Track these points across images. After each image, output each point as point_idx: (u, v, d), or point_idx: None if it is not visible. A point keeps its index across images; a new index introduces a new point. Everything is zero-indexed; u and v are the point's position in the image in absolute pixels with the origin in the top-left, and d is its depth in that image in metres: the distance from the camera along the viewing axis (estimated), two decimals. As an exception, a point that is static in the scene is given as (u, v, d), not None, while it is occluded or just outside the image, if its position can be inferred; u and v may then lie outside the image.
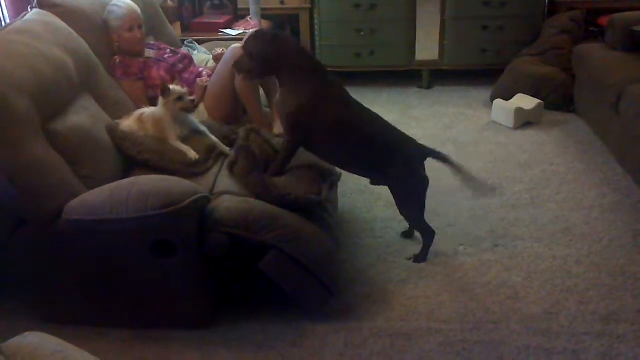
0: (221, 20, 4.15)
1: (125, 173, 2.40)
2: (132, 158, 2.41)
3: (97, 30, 2.84)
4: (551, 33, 4.22)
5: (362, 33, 4.41)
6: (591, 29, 4.41)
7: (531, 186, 3.11)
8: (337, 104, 2.39)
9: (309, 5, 4.57)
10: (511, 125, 3.77)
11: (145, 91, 2.87)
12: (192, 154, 2.40)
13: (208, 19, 4.25)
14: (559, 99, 3.97)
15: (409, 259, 2.58)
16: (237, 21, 4.31)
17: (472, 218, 2.85)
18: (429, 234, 2.57)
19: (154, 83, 2.84)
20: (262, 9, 4.56)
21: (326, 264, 2.19)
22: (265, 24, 4.15)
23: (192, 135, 2.53)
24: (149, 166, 2.38)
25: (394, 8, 4.35)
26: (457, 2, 4.30)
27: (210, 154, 2.49)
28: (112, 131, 2.43)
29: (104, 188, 2.05)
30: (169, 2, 4.46)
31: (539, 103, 3.83)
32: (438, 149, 2.56)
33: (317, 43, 4.56)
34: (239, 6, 4.34)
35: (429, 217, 2.60)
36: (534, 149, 3.51)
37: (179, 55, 3.08)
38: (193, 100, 2.53)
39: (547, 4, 4.47)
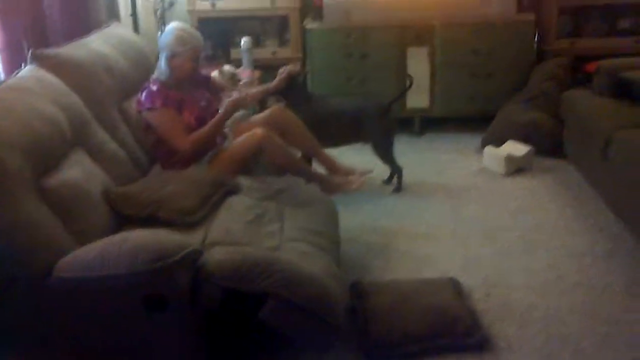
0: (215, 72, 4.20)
1: (118, 227, 2.40)
2: (127, 217, 2.42)
3: (95, 80, 2.86)
4: (539, 80, 4.29)
5: (353, 81, 4.48)
6: (578, 75, 4.48)
7: (523, 233, 3.11)
8: None
9: (300, 55, 4.65)
10: (502, 172, 3.80)
11: (183, 126, 2.86)
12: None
13: (202, 70, 4.30)
14: (548, 145, 4.01)
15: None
16: (231, 71, 4.37)
17: (465, 267, 2.84)
18: (399, 170, 3.64)
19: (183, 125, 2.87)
20: (255, 60, 4.64)
21: (325, 301, 2.15)
22: (258, 74, 4.20)
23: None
24: (144, 220, 2.39)
25: (385, 57, 4.43)
26: (446, 51, 4.38)
27: (207, 201, 2.49)
28: (107, 195, 2.43)
29: (96, 245, 2.04)
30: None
31: (530, 150, 3.87)
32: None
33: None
34: (231, 57, 4.40)
35: (421, 265, 2.61)
36: (525, 196, 3.53)
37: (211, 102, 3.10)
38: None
39: (535, 52, 4.56)
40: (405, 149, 4.29)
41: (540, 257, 2.89)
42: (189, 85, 3.00)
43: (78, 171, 2.38)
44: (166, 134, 2.84)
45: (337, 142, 3.65)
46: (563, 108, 3.96)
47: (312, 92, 3.70)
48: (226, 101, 2.91)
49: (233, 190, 2.65)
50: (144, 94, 2.88)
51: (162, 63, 2.92)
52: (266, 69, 4.84)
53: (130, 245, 1.97)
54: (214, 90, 3.18)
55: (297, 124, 3.22)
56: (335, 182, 3.12)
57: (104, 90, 2.91)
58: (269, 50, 4.74)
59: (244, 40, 4.03)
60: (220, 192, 2.57)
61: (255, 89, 3.39)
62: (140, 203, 2.42)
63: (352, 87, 4.47)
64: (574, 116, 3.75)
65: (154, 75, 2.96)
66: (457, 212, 3.38)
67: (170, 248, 1.97)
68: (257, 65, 4.52)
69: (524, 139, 3.99)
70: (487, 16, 4.31)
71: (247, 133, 2.93)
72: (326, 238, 2.51)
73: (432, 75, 4.46)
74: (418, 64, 4.43)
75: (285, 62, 4.67)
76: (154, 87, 2.87)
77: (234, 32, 4.79)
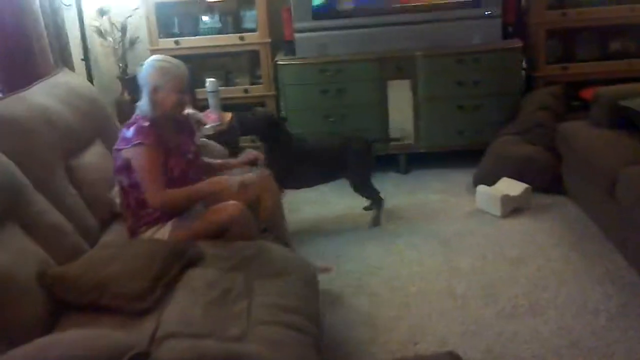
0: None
1: (56, 315, 2.04)
2: (67, 303, 2.06)
3: (33, 139, 2.50)
4: (530, 110, 3.99)
5: (331, 119, 4.15)
6: (573, 103, 4.20)
7: (528, 289, 2.77)
8: None
9: (274, 93, 4.33)
10: (498, 214, 3.47)
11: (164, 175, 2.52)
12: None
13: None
14: (546, 181, 3.69)
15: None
16: (197, 114, 4.03)
17: (465, 334, 2.49)
18: (379, 200, 3.54)
19: (168, 169, 2.54)
20: (225, 99, 4.32)
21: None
22: (227, 117, 3.86)
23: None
24: (85, 306, 2.03)
25: (364, 92, 4.12)
26: (429, 82, 4.08)
27: (160, 280, 2.12)
28: (42, 278, 2.06)
29: (15, 354, 1.66)
30: (125, 95, 4.20)
31: (526, 188, 3.55)
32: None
33: (284, 131, 4.28)
34: (198, 99, 4.06)
35: (415, 333, 2.26)
36: (525, 241, 3.20)
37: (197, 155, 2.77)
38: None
39: (525, 79, 4.27)
40: (391, 189, 3.96)
41: (549, 319, 2.54)
42: (173, 128, 2.66)
43: (5, 253, 2.00)
44: (145, 177, 2.47)
45: (318, 181, 3.62)
46: (560, 141, 3.65)
47: (292, 133, 3.48)
48: (208, 181, 2.58)
49: (194, 261, 2.29)
50: (131, 129, 2.51)
51: (145, 99, 2.56)
52: (237, 108, 4.54)
53: (57, 354, 1.60)
54: (191, 129, 2.84)
55: (276, 198, 2.91)
56: None
57: (46, 149, 2.56)
58: (241, 88, 4.41)
59: (209, 82, 3.70)
60: (177, 267, 2.21)
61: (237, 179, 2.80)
62: (80, 288, 2.04)
63: (330, 126, 4.14)
64: (573, 150, 3.43)
65: (138, 113, 2.61)
66: (452, 264, 3.03)
67: (108, 355, 1.60)
68: (228, 105, 4.20)
69: (519, 175, 3.67)
70: (472, 45, 4.02)
71: (221, 206, 2.57)
72: (303, 315, 2.14)
73: (416, 109, 4.15)
74: (400, 97, 4.13)
75: (259, 101, 4.38)
76: (145, 123, 2.51)
77: (201, 71, 4.47)
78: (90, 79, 3.63)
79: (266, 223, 2.78)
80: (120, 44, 4.25)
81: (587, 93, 3.96)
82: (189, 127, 2.78)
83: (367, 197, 3.56)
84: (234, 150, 3.83)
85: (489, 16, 3.98)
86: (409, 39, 4.03)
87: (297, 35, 4.05)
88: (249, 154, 3.03)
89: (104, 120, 3.14)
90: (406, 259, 3.11)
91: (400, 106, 4.16)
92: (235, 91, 4.41)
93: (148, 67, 2.57)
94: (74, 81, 3.12)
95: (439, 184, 4.02)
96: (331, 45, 4.06)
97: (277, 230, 2.83)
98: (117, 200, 2.73)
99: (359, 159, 3.50)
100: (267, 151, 3.38)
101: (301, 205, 3.81)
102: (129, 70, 4.20)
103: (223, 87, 4.39)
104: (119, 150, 2.55)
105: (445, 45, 4.03)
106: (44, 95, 2.79)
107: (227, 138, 3.69)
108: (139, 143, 2.47)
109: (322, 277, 2.80)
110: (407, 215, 3.59)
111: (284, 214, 3.00)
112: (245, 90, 4.40)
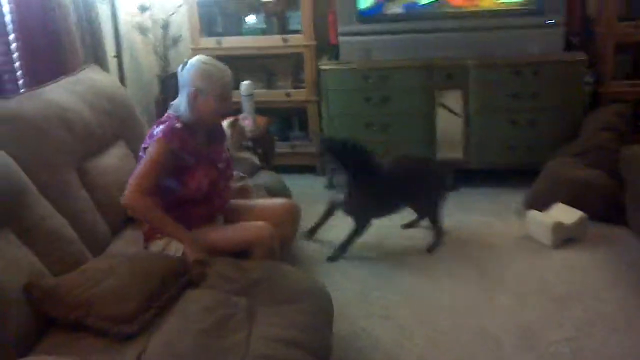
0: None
1: (42, 331, 1.90)
2: (55, 319, 1.91)
3: (45, 139, 2.37)
4: (593, 129, 3.63)
5: (374, 128, 3.91)
6: (640, 124, 3.82)
7: (571, 334, 2.45)
8: None
9: (316, 98, 4.12)
10: (549, 244, 3.14)
11: (163, 177, 2.34)
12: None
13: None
14: (605, 209, 3.33)
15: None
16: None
17: (495, 383, 2.21)
18: (441, 228, 3.27)
19: (188, 186, 2.36)
20: (266, 102, 4.15)
21: None
22: (262, 122, 3.68)
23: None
24: (71, 324, 1.87)
25: (410, 101, 3.85)
26: (482, 94, 3.78)
27: (154, 302, 1.94)
28: (30, 290, 1.91)
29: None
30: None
31: (582, 217, 3.20)
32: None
33: (325, 139, 4.07)
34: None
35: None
36: (575, 277, 2.87)
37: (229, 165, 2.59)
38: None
39: (590, 95, 3.90)
40: (434, 208, 3.69)
41: (593, 373, 2.24)
42: (206, 136, 2.48)
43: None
44: (139, 170, 2.31)
45: (398, 207, 3.30)
46: (624, 165, 3.29)
47: (378, 160, 3.18)
48: (181, 230, 2.35)
49: (196, 281, 2.10)
50: (160, 126, 2.36)
51: (183, 102, 2.39)
52: (280, 113, 4.36)
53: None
54: (223, 136, 2.66)
55: (295, 224, 2.71)
56: None
57: (57, 150, 2.42)
58: (282, 92, 4.22)
59: (244, 84, 3.52)
60: (176, 287, 2.03)
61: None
62: (68, 304, 1.89)
63: (372, 135, 3.90)
64: (639, 177, 3.07)
65: (172, 112, 2.45)
66: (489, 297, 2.74)
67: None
68: (269, 109, 4.03)
69: (575, 201, 3.32)
70: (530, 55, 3.70)
71: (249, 224, 2.42)
72: (308, 350, 1.92)
73: (466, 122, 3.85)
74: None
75: (300, 106, 4.19)
76: (178, 124, 2.35)
77: (243, 72, 4.31)
78: (122, 76, 3.51)
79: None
80: (162, 41, 4.14)
81: (658, 114, 3.58)
82: (220, 135, 2.61)
83: (432, 222, 3.27)
84: (268, 160, 3.67)
85: (550, 25, 3.64)
86: (461, 47, 3.74)
87: (341, 38, 3.84)
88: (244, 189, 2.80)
89: (129, 120, 2.99)
90: (439, 288, 2.84)
91: (450, 118, 3.88)
92: (276, 95, 4.22)
93: (192, 67, 2.38)
94: (100, 79, 2.99)
95: (487, 205, 3.72)
96: (376, 51, 3.81)
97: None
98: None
99: (439, 182, 3.31)
100: (352, 179, 3.04)
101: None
102: (170, 69, 4.08)
103: (264, 90, 4.25)
104: (145, 148, 2.40)
105: (501, 54, 3.72)
106: (64, 92, 2.67)
107: (262, 146, 3.52)
108: (159, 138, 2.31)
109: (347, 302, 2.60)
110: (447, 238, 3.31)
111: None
112: (287, 95, 4.21)
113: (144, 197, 2.29)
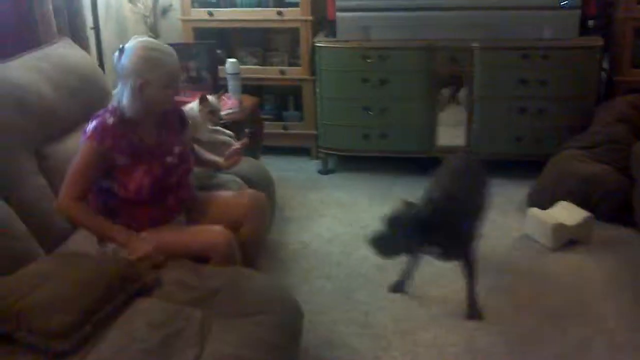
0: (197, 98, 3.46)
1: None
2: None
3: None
4: (605, 121, 3.37)
5: (371, 112, 3.66)
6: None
7: (566, 350, 2.25)
8: None
9: (312, 77, 3.87)
10: (549, 245, 2.92)
11: (97, 179, 2.12)
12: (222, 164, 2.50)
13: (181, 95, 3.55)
14: (613, 208, 3.09)
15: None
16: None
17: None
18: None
19: (126, 187, 2.11)
20: (259, 80, 3.93)
21: None
22: (250, 103, 3.44)
23: None
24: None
25: (410, 84, 3.60)
26: (487, 79, 3.50)
27: (92, 316, 1.74)
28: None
29: None
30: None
31: (587, 217, 2.97)
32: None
33: (319, 122, 3.84)
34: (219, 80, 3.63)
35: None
36: (575, 285, 2.65)
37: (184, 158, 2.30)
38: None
39: (603, 83, 3.63)
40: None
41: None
42: (155, 127, 2.22)
43: None
44: (68, 175, 2.09)
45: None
46: (635, 161, 3.05)
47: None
48: (119, 230, 2.11)
49: (147, 289, 1.91)
50: (93, 122, 2.12)
51: (126, 94, 2.11)
52: (274, 91, 4.13)
53: None
54: (180, 124, 2.37)
55: (262, 222, 2.44)
56: None
57: (7, 132, 2.22)
58: (277, 69, 3.98)
59: (229, 62, 3.27)
60: (123, 296, 1.83)
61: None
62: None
63: (369, 119, 3.66)
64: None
65: (115, 103, 2.19)
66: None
67: None
68: (262, 87, 3.81)
69: (582, 198, 3.09)
70: (541, 39, 3.41)
71: (204, 228, 2.19)
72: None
73: (470, 108, 3.59)
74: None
75: (295, 84, 3.95)
76: (110, 120, 2.10)
77: (236, 47, 4.07)
78: (99, 50, 3.28)
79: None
80: (152, 11, 3.91)
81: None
82: (175, 123, 2.33)
83: (465, 263, 2.45)
84: (257, 143, 3.46)
85: (565, 7, 3.35)
86: (466, 27, 3.45)
87: (339, 14, 3.57)
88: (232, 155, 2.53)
89: (102, 100, 2.78)
90: (426, 294, 2.63)
91: (453, 105, 3.62)
92: (270, 72, 3.98)
93: (134, 55, 2.08)
94: (71, 54, 2.78)
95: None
96: (376, 29, 3.55)
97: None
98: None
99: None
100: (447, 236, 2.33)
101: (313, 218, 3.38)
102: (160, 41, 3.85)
103: (258, 67, 4.01)
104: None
105: (509, 37, 3.44)
106: (24, 70, 2.46)
107: (250, 129, 3.29)
108: (88, 139, 2.09)
109: (325, 307, 2.40)
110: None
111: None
112: (282, 72, 3.96)
113: (75, 203, 2.07)
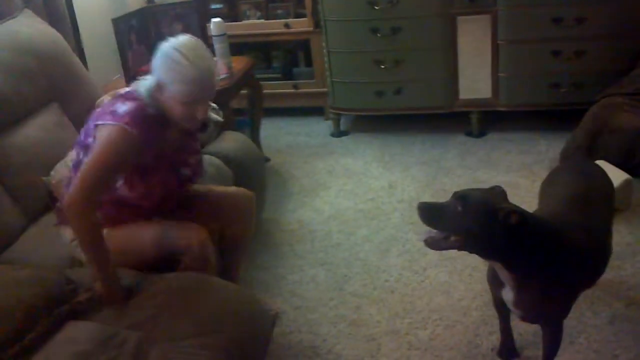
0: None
1: None
2: None
3: None
4: (655, 63, 2.87)
5: (384, 66, 3.28)
6: None
7: (586, 356, 1.89)
8: None
9: (318, 30, 3.49)
10: (580, 216, 2.52)
11: (117, 177, 1.80)
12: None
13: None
14: (660, 168, 2.65)
15: None
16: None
17: None
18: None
19: (135, 189, 1.84)
20: (262, 35, 3.60)
21: None
22: (241, 65, 3.11)
23: None
24: None
25: (425, 32, 3.20)
26: (513, 19, 3.06)
27: (9, 349, 1.51)
28: None
29: None
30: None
31: (627, 180, 2.55)
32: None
33: (328, 80, 3.48)
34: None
35: None
36: (613, 264, 2.26)
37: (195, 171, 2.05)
38: None
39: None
40: (454, 159, 3.14)
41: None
42: (179, 132, 1.93)
43: None
44: (90, 167, 1.72)
45: None
46: (689, 111, 2.57)
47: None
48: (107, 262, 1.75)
49: (83, 309, 1.68)
50: (127, 104, 1.78)
51: (148, 87, 1.79)
52: (280, 46, 3.79)
53: None
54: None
55: (248, 218, 2.15)
56: None
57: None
58: (281, 22, 3.62)
59: (214, 23, 2.93)
60: (47, 321, 1.61)
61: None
62: None
63: (382, 74, 3.28)
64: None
65: (133, 89, 1.86)
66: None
67: None
68: (266, 42, 3.48)
69: (625, 155, 2.68)
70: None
71: (183, 227, 1.89)
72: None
73: (495, 54, 3.15)
74: (473, 39, 3.15)
75: (300, 38, 3.61)
76: (149, 110, 1.78)
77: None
78: (74, 23, 2.98)
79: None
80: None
81: None
82: (193, 137, 2.03)
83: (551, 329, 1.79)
84: (255, 108, 3.17)
85: None
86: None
87: (340, -44, 3.16)
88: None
89: (67, 80, 2.53)
90: (430, 282, 2.31)
91: (474, 50, 3.19)
92: (274, 25, 3.64)
93: (164, 51, 1.75)
94: (27, 30, 2.51)
95: (516, 157, 3.09)
96: (383, -30, 3.13)
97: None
98: (58, 176, 2.14)
99: None
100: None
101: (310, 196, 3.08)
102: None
103: (262, 21, 3.66)
104: (102, 124, 1.79)
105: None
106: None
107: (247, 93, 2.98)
108: (125, 124, 1.74)
109: (313, 306, 2.14)
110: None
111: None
112: (287, 25, 3.60)
113: (92, 213, 1.72)
